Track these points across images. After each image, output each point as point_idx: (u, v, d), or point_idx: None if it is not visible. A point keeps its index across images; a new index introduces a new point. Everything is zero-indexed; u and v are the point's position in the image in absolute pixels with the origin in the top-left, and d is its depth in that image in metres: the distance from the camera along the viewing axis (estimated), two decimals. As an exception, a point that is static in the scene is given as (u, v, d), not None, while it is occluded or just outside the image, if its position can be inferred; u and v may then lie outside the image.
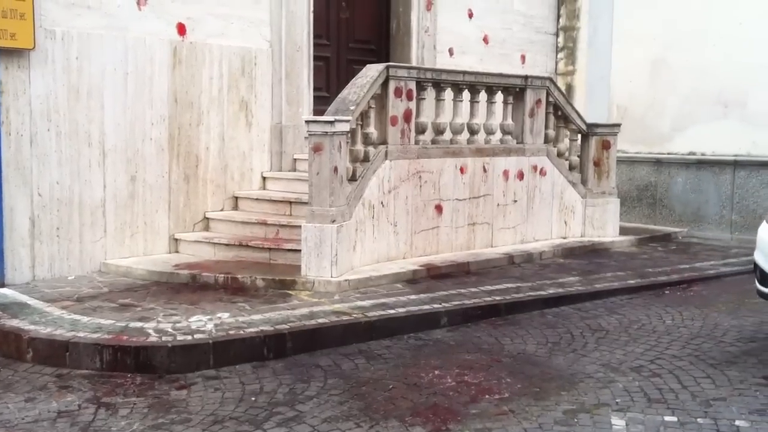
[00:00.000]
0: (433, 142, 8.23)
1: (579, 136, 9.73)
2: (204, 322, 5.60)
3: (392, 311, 6.10)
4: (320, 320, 5.75)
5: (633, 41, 11.09)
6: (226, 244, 7.66)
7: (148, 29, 7.57)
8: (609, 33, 11.35)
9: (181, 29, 7.82)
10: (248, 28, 8.36)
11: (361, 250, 7.36)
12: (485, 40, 10.80)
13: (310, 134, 6.89)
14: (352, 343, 5.64)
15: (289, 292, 6.62)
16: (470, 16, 10.58)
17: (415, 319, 6.06)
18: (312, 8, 8.84)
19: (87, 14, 7.17)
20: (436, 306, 6.32)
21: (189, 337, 5.25)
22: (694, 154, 10.62)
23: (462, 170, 8.36)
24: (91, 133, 7.25)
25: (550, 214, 9.34)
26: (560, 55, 11.78)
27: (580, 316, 6.53)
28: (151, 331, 5.36)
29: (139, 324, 5.54)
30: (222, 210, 8.28)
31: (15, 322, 5.57)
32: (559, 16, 11.71)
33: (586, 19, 11.58)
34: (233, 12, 8.21)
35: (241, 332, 5.39)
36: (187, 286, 6.80)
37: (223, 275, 6.88)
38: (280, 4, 8.54)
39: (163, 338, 5.22)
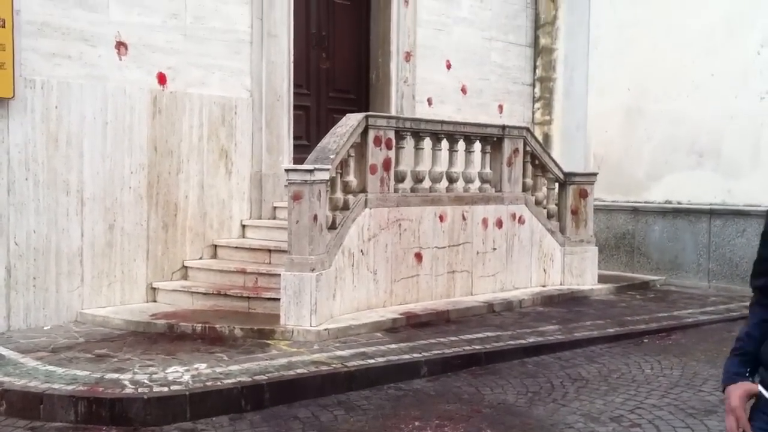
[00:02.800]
0: (413, 190, 8.28)
1: (556, 184, 9.83)
2: (181, 373, 5.53)
3: (372, 361, 6.06)
4: (299, 370, 5.70)
5: (608, 91, 11.29)
6: (205, 293, 7.60)
7: (128, 78, 7.61)
8: (584, 83, 11.55)
9: (162, 78, 7.86)
10: (229, 77, 8.42)
11: (340, 299, 7.33)
12: (463, 90, 10.94)
13: (289, 183, 6.91)
14: (331, 393, 5.59)
15: (268, 341, 6.57)
16: (448, 67, 10.74)
17: (395, 368, 6.02)
18: (292, 58, 8.94)
19: (67, 64, 7.20)
20: (415, 355, 6.29)
21: (165, 389, 5.17)
22: (670, 202, 10.74)
23: (441, 218, 8.40)
24: (69, 182, 7.23)
25: (529, 262, 9.37)
26: (537, 104, 11.95)
27: (560, 365, 6.52)
28: (127, 383, 5.28)
29: (115, 375, 5.46)
30: (201, 258, 8.24)
31: (-12, 374, 5.47)
32: (535, 67, 11.91)
33: (562, 70, 11.79)
34: (214, 62, 8.28)
35: (219, 383, 5.32)
36: (164, 336, 6.73)
37: (201, 325, 6.81)
38: (261, 55, 8.63)
39: (139, 390, 5.14)
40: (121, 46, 7.56)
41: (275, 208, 8.77)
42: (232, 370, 5.63)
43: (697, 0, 10.41)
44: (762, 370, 2.29)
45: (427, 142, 8.39)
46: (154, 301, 7.83)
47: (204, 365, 5.76)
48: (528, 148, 9.33)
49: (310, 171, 6.82)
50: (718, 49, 10.24)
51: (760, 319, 2.38)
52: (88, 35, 7.32)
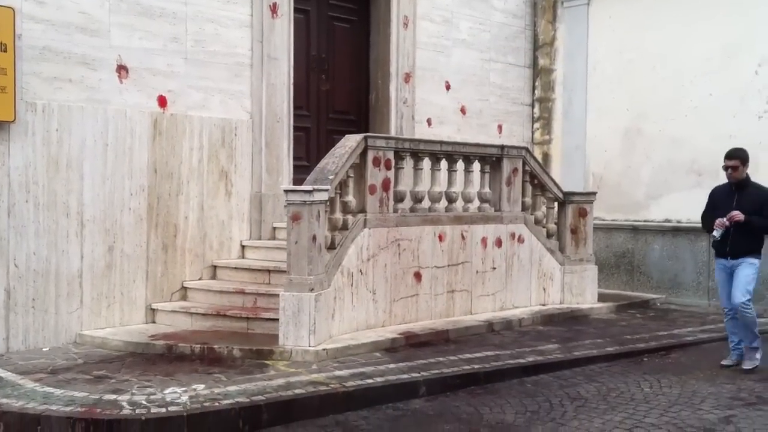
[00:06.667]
0: (412, 210, 8.30)
1: (556, 203, 9.85)
2: (179, 394, 5.54)
3: (370, 381, 6.06)
4: (297, 391, 5.70)
5: (606, 112, 11.32)
6: (204, 314, 7.62)
7: (129, 102, 7.67)
8: (583, 104, 11.59)
9: (162, 101, 7.92)
10: (229, 100, 8.48)
11: (339, 319, 7.34)
12: (462, 110, 10.99)
13: (288, 203, 6.95)
14: (329, 414, 5.59)
15: (267, 362, 6.57)
16: (447, 88, 10.80)
17: (394, 388, 6.02)
18: (292, 80, 9.01)
19: (68, 87, 7.27)
20: (414, 375, 6.28)
21: (163, 410, 5.18)
22: (669, 221, 10.75)
23: (441, 238, 8.42)
24: (69, 204, 7.27)
25: (528, 281, 9.38)
26: (536, 125, 12.00)
27: (559, 384, 6.51)
28: (124, 404, 5.29)
29: (112, 396, 5.47)
30: (200, 279, 8.26)
31: (-14, 396, 5.48)
32: (534, 88, 11.97)
33: (561, 91, 11.83)
34: (214, 85, 8.34)
35: (216, 404, 5.33)
36: (162, 357, 6.74)
37: (199, 346, 6.82)
38: (261, 77, 8.69)
39: (137, 411, 5.15)
40: (122, 69, 7.63)
41: (275, 228, 8.80)
42: (230, 391, 5.64)
43: (694, 22, 10.47)
44: None
45: (426, 163, 8.43)
46: (153, 322, 7.85)
47: (202, 386, 5.76)
48: (527, 168, 9.37)
49: (309, 192, 6.85)
50: (716, 70, 10.30)
51: None
52: (89, 59, 7.40)
